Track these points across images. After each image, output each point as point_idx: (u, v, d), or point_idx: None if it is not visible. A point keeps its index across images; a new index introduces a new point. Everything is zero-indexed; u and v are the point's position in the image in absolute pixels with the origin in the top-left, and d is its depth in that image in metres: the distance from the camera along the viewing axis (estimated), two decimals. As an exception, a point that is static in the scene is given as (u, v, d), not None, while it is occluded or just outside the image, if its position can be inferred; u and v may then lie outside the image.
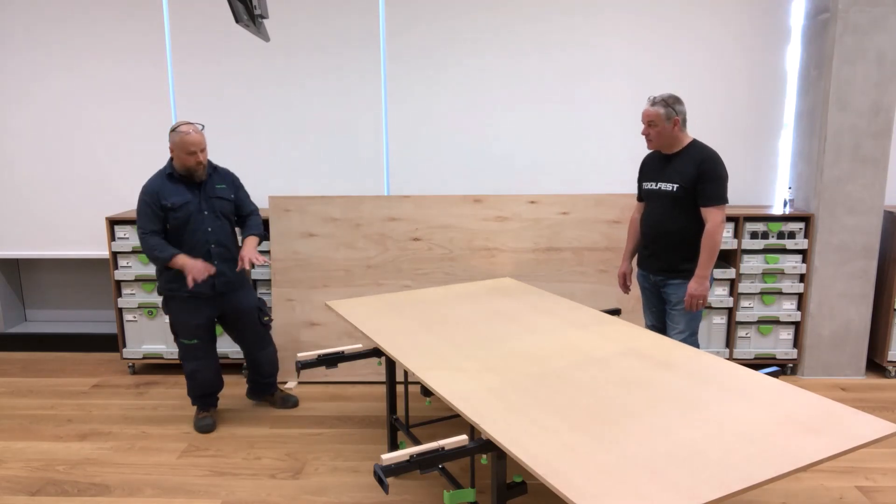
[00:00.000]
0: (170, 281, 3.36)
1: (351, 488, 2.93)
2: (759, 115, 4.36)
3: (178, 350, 3.51)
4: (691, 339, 3.14)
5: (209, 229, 3.34)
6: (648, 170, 3.25)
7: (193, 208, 3.31)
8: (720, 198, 2.98)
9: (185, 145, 3.21)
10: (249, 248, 3.38)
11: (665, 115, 3.00)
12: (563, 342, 2.65)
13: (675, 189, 3.05)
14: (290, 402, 3.75)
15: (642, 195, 3.29)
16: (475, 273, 4.10)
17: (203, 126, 3.30)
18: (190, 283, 3.16)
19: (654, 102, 3.03)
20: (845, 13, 3.79)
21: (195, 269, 3.18)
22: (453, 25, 4.34)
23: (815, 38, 4.02)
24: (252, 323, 3.55)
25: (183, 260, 3.22)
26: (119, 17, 4.39)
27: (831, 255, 4.01)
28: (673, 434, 1.87)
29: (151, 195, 3.26)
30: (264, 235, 3.62)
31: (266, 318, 3.61)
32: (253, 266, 3.37)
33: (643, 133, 3.09)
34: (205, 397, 3.55)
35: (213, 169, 3.42)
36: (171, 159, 3.32)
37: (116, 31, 4.40)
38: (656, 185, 3.15)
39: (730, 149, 4.39)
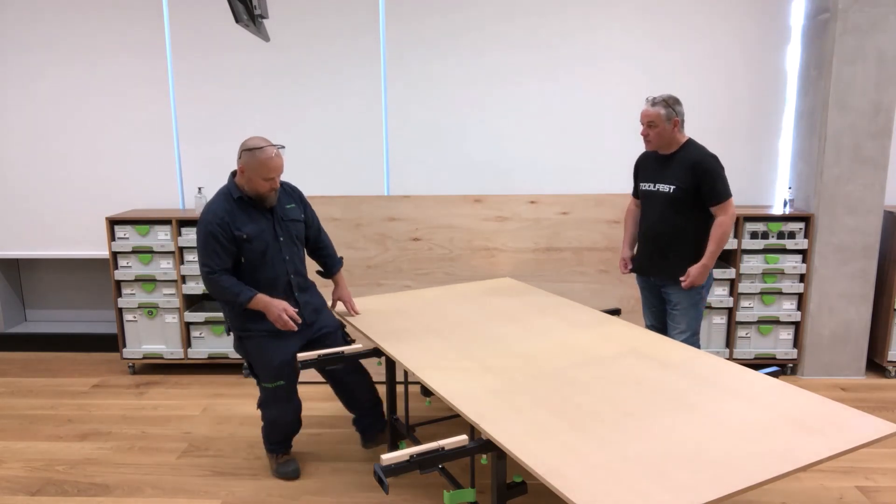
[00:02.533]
0: (246, 320, 2.86)
1: (351, 488, 2.93)
2: (759, 115, 4.36)
3: (260, 396, 2.99)
4: (692, 338, 3.14)
5: (286, 258, 2.90)
6: (645, 170, 3.25)
7: (269, 237, 2.85)
8: (725, 193, 2.99)
9: (265, 169, 2.71)
10: (348, 291, 3.14)
11: (665, 116, 3.00)
12: (563, 342, 2.65)
13: (671, 190, 3.05)
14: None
15: (640, 195, 3.30)
16: (475, 273, 4.10)
17: (283, 147, 2.83)
18: (285, 327, 2.79)
19: (654, 103, 3.02)
20: (845, 13, 3.79)
21: (281, 319, 2.77)
22: (454, 26, 4.34)
23: (815, 38, 4.02)
24: (338, 345, 3.02)
25: (265, 302, 2.77)
26: (119, 17, 4.39)
27: (831, 255, 4.01)
28: (672, 434, 1.87)
29: (222, 225, 2.73)
30: (342, 261, 3.24)
31: (350, 338, 3.11)
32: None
33: (642, 133, 3.09)
34: (283, 442, 3.07)
35: (280, 185, 2.94)
36: (234, 178, 2.83)
37: (116, 31, 4.41)
38: (654, 187, 3.15)
39: (730, 149, 4.39)
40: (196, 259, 4.17)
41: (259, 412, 3.04)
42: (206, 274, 2.76)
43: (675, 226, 3.08)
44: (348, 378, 3.14)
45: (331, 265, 3.17)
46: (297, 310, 2.86)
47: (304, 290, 2.99)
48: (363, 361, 3.14)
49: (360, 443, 3.27)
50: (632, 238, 3.43)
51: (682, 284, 3.06)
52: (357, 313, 3.13)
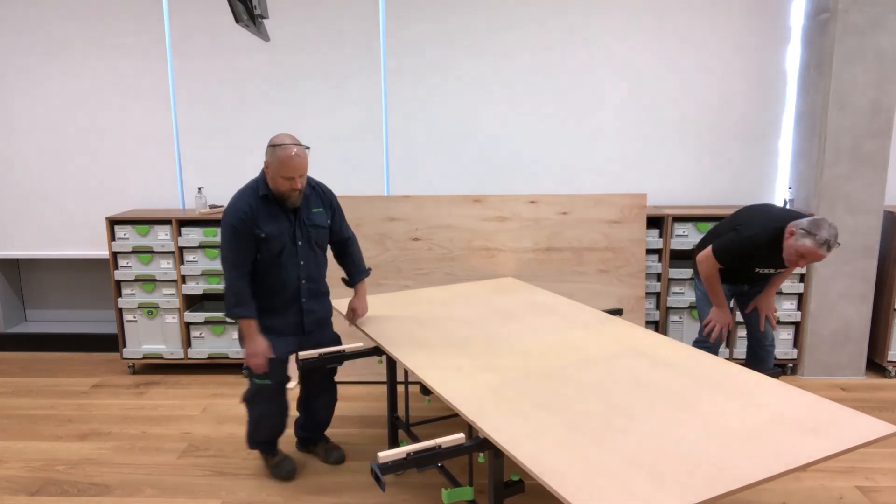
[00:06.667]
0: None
1: (351, 488, 2.93)
2: (760, 115, 4.36)
3: (246, 391, 2.94)
4: None
5: (301, 263, 2.84)
6: (764, 260, 3.07)
7: (287, 238, 2.79)
8: None
9: (284, 168, 2.64)
10: (364, 300, 3.05)
11: None
12: (563, 342, 2.65)
13: (782, 270, 3.16)
14: (332, 456, 3.17)
15: (745, 271, 3.20)
16: (475, 273, 4.10)
17: (309, 148, 2.76)
18: (253, 365, 2.77)
19: (831, 249, 2.82)
20: (845, 13, 3.78)
21: (256, 357, 2.75)
22: (453, 25, 4.34)
23: (815, 38, 4.02)
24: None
25: (251, 333, 2.74)
26: (119, 18, 4.39)
27: (831, 254, 4.00)
28: (670, 433, 1.87)
29: (244, 220, 2.69)
30: (369, 272, 3.14)
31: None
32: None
33: (800, 266, 2.93)
34: (268, 443, 3.05)
35: (311, 187, 2.89)
36: (263, 174, 2.77)
37: (116, 32, 4.41)
38: (776, 271, 3.16)
39: (730, 149, 4.40)
40: (195, 259, 4.20)
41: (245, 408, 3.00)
42: (227, 267, 2.72)
43: None
44: (320, 399, 3.13)
45: (353, 274, 3.08)
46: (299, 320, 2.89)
47: (312, 298, 2.92)
48: (363, 362, 3.14)
49: (296, 445, 3.28)
50: (724, 295, 3.31)
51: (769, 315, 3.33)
52: (353, 322, 3.05)
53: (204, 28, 4.38)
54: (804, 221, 2.82)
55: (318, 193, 2.91)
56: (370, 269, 3.13)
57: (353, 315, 3.05)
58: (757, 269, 3.14)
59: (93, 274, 4.89)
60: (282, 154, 2.63)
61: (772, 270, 3.14)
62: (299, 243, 2.82)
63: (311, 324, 2.93)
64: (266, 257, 2.77)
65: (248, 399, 2.93)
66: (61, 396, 3.96)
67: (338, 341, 3.06)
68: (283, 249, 2.78)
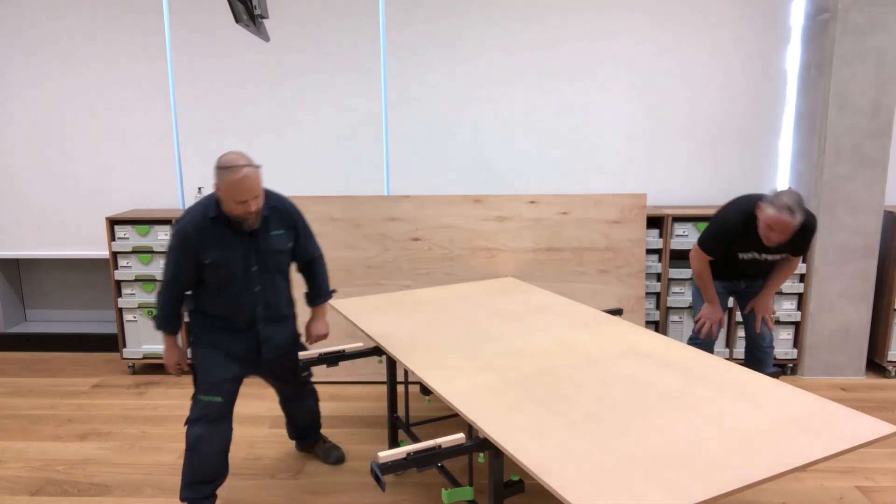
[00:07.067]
0: (202, 328, 2.69)
1: (351, 488, 2.93)
2: (759, 115, 4.36)
3: (189, 410, 2.66)
4: None
5: (257, 289, 2.63)
6: (743, 242, 3.08)
7: (239, 267, 2.57)
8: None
9: (234, 192, 2.40)
10: (322, 323, 2.92)
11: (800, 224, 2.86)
12: (564, 341, 2.66)
13: (780, 257, 3.15)
14: (332, 456, 3.14)
15: (732, 260, 3.18)
16: (475, 273, 4.10)
17: (259, 166, 2.49)
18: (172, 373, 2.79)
19: (794, 213, 2.77)
20: (845, 13, 3.78)
21: (169, 365, 2.74)
22: (454, 25, 4.34)
23: (815, 38, 4.02)
24: (291, 376, 2.96)
25: (168, 346, 2.71)
26: (120, 18, 4.39)
27: (831, 255, 4.01)
28: (671, 434, 1.87)
29: (185, 246, 2.51)
30: (332, 294, 3.00)
31: (305, 374, 2.96)
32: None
33: (774, 241, 2.90)
34: (201, 485, 2.63)
35: (270, 208, 2.62)
36: (216, 195, 2.54)
37: (117, 32, 4.41)
38: (760, 256, 3.13)
39: (730, 149, 4.40)
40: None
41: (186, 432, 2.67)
42: (164, 280, 2.61)
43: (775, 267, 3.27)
44: (293, 404, 3.11)
45: (312, 296, 2.94)
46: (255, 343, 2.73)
47: (271, 324, 2.73)
48: (363, 362, 3.12)
49: (296, 446, 3.29)
50: (714, 291, 3.30)
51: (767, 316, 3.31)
52: (306, 344, 2.98)
53: (204, 28, 4.38)
54: (768, 195, 2.89)
55: (281, 215, 2.66)
56: (334, 291, 3.00)
57: (309, 337, 2.92)
58: (740, 255, 3.15)
59: (93, 274, 4.89)
60: (230, 178, 2.39)
61: (755, 255, 3.13)
62: (254, 269, 2.60)
63: (269, 350, 2.75)
64: (214, 282, 2.58)
65: (190, 419, 2.62)
66: (61, 396, 3.96)
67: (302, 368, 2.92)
68: (233, 277, 2.57)
